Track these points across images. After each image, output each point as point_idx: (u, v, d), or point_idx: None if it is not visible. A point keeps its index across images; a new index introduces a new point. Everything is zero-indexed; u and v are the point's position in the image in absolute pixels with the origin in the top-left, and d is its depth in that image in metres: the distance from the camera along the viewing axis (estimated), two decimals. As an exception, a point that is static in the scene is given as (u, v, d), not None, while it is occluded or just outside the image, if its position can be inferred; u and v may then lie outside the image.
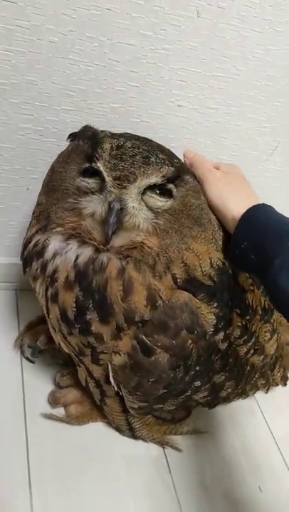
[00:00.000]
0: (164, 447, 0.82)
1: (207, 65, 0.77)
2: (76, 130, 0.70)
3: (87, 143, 0.65)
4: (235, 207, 0.64)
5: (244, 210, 0.63)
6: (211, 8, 0.71)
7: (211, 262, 0.64)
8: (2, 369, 0.85)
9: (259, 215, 0.63)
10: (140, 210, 0.60)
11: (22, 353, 0.88)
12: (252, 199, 0.66)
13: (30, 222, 0.71)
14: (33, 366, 0.87)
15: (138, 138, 0.65)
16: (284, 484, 0.84)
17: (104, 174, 0.59)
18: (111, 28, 0.69)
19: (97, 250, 0.61)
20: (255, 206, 0.63)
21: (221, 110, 0.84)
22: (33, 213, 0.71)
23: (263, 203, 0.65)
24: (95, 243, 0.61)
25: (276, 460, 0.88)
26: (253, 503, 0.80)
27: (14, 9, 0.64)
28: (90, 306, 0.61)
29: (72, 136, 0.69)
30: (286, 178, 0.99)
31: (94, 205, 0.60)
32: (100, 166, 0.59)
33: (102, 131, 0.67)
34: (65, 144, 0.70)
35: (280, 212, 0.65)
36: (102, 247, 0.61)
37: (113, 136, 0.64)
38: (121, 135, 0.65)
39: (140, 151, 0.60)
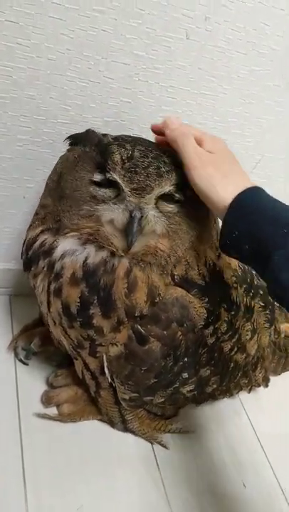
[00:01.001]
0: (152, 443, 0.85)
1: (195, 84, 0.82)
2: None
3: (94, 150, 0.65)
4: (223, 193, 0.60)
5: (233, 196, 0.59)
6: (199, 30, 0.76)
7: (205, 261, 0.69)
8: (-3, 371, 0.88)
9: (249, 202, 0.59)
10: (158, 216, 0.63)
11: (16, 355, 0.90)
12: (242, 182, 0.61)
13: (33, 223, 0.73)
14: (26, 368, 0.89)
15: (141, 142, 0.66)
16: (266, 480, 0.88)
17: (122, 185, 0.61)
18: (106, 48, 0.74)
19: (112, 254, 0.64)
20: (244, 192, 0.59)
21: (208, 125, 0.89)
22: (36, 214, 0.73)
23: (253, 187, 0.61)
24: (114, 249, 0.64)
25: (259, 457, 0.91)
26: (237, 498, 0.84)
27: (16, 28, 0.69)
28: (95, 301, 0.64)
29: (73, 139, 0.70)
30: (269, 190, 1.03)
31: (113, 213, 0.62)
32: (116, 177, 0.61)
33: (104, 135, 0.68)
34: (59, 154, 0.73)
35: (270, 195, 0.61)
36: (120, 253, 0.64)
37: (119, 143, 0.64)
38: (124, 139, 0.66)
39: (151, 161, 0.62)
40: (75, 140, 0.70)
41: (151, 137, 0.86)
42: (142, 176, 0.61)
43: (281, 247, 0.55)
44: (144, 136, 0.85)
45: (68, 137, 0.71)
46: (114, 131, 0.83)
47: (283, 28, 0.80)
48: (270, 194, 1.03)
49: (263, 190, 0.61)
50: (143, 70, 0.78)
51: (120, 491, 0.79)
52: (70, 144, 0.71)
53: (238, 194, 0.59)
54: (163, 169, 0.62)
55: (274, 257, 0.55)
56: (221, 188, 0.60)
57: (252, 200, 0.59)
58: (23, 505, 0.72)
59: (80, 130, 0.81)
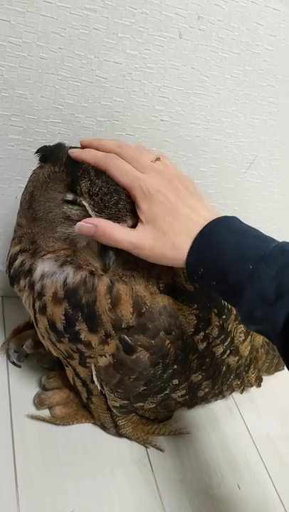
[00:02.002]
0: (146, 447, 0.85)
1: (188, 83, 0.82)
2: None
3: (64, 171, 0.62)
4: (175, 250, 0.57)
5: (188, 244, 0.57)
6: (192, 30, 0.76)
7: None
8: (-12, 373, 0.87)
9: (209, 241, 0.56)
10: None
11: (8, 357, 0.90)
12: (194, 225, 0.57)
13: (13, 239, 0.73)
14: (19, 370, 0.88)
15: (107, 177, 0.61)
16: (261, 482, 0.88)
17: (92, 215, 0.59)
18: (98, 47, 0.73)
19: (92, 273, 0.63)
20: (200, 233, 0.56)
21: (201, 125, 0.88)
22: (15, 231, 0.72)
23: (209, 224, 0.57)
24: (93, 269, 0.63)
25: (254, 459, 0.91)
26: (232, 500, 0.84)
27: (7, 27, 0.68)
28: (80, 318, 0.64)
29: (43, 152, 0.66)
30: (263, 190, 1.04)
31: (88, 237, 0.61)
32: (86, 204, 0.60)
33: (70, 151, 0.64)
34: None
35: (231, 225, 0.57)
36: (100, 272, 0.63)
37: (86, 169, 0.60)
38: (86, 169, 0.61)
39: (120, 197, 0.59)
40: (44, 154, 0.66)
41: (144, 137, 0.86)
42: (113, 210, 0.59)
43: (249, 285, 0.53)
44: (135, 136, 0.86)
45: (38, 150, 0.67)
46: (107, 131, 0.83)
47: (277, 27, 0.80)
48: (264, 197, 1.04)
49: (222, 224, 0.57)
50: (136, 69, 0.77)
51: (114, 493, 0.78)
52: (40, 159, 0.67)
53: (194, 238, 0.56)
54: (131, 206, 0.60)
55: (243, 297, 0.53)
56: (172, 249, 0.57)
57: (211, 239, 0.56)
58: (15, 508, 0.71)
59: (73, 130, 0.81)
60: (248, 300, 0.53)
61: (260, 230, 0.60)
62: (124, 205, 0.59)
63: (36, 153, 0.67)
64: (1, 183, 0.85)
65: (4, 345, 0.90)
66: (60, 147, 0.66)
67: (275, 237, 0.59)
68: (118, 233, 0.58)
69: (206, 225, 0.57)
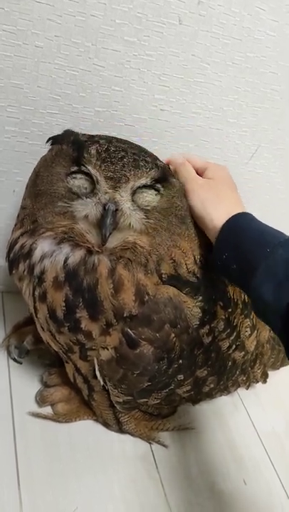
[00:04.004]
0: (150, 443, 0.84)
1: (189, 71, 0.80)
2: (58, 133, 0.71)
3: (71, 147, 0.65)
4: (215, 217, 0.65)
5: (224, 220, 0.63)
6: (192, 15, 0.74)
7: (194, 259, 0.67)
8: (-11, 370, 0.85)
9: (238, 226, 0.63)
10: (133, 210, 0.61)
11: (9, 354, 0.88)
12: (234, 208, 0.65)
13: (15, 225, 0.72)
14: (20, 366, 0.87)
15: (119, 140, 0.67)
16: (267, 477, 0.87)
17: (97, 175, 0.60)
18: (96, 34, 0.71)
19: (90, 252, 0.62)
20: (234, 216, 0.64)
21: (202, 115, 0.86)
22: (18, 216, 0.72)
23: (242, 212, 0.65)
24: (89, 245, 0.62)
25: (259, 454, 0.90)
26: (238, 496, 0.82)
27: (1, 14, 0.66)
28: (80, 304, 0.62)
29: (52, 140, 0.69)
30: (266, 180, 1.01)
31: (87, 208, 0.61)
32: (90, 169, 0.60)
33: (83, 135, 0.68)
34: (48, 147, 0.71)
35: (259, 220, 0.65)
36: (96, 249, 0.62)
37: (96, 140, 0.65)
38: (101, 137, 0.66)
39: (127, 154, 0.61)
40: (55, 141, 0.69)
41: (144, 128, 0.84)
42: (118, 166, 0.60)
43: (263, 262, 0.58)
44: (135, 127, 0.84)
45: (49, 138, 0.70)
46: (105, 122, 0.81)
47: (279, 13, 0.77)
48: (267, 187, 1.02)
49: (252, 216, 0.65)
50: (134, 57, 0.75)
51: (118, 490, 0.77)
52: (52, 145, 0.70)
53: (228, 220, 0.63)
54: (141, 163, 0.62)
55: (256, 273, 0.58)
56: (212, 211, 0.65)
57: (240, 224, 0.63)
58: (18, 506, 0.70)
59: (71, 121, 0.80)
60: (259, 276, 0.58)
61: (263, 221, 0.67)
62: (129, 161, 0.61)
63: (47, 141, 0.69)
64: (-2, 176, 0.83)
65: (5, 341, 0.89)
66: (68, 132, 0.68)
67: (277, 228, 0.64)
68: (188, 169, 0.70)
69: (237, 214, 0.64)
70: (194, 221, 0.69)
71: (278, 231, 0.63)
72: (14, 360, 0.88)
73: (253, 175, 0.99)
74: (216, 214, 0.65)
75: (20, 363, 0.88)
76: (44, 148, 0.73)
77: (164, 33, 0.74)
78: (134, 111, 0.82)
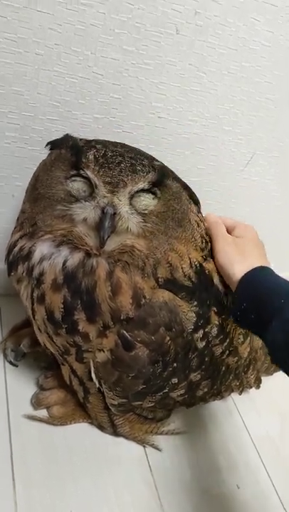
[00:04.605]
0: (144, 446, 0.84)
1: (186, 80, 0.81)
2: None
3: (69, 152, 0.66)
4: (238, 271, 0.68)
5: (245, 273, 0.67)
6: (189, 26, 0.75)
7: (190, 262, 0.68)
8: (-15, 372, 0.86)
9: (256, 278, 0.67)
10: (131, 214, 0.63)
11: (5, 356, 0.89)
12: (256, 262, 0.69)
13: (15, 228, 0.73)
14: (16, 369, 0.88)
15: (116, 144, 0.68)
16: (260, 481, 0.87)
17: (95, 180, 0.61)
18: (95, 43, 0.73)
19: (88, 255, 0.63)
20: (253, 270, 0.67)
21: (198, 122, 0.88)
22: (17, 220, 0.73)
23: (261, 266, 0.68)
24: (88, 248, 0.63)
25: (253, 458, 0.90)
26: (231, 500, 0.83)
27: (2, 23, 0.67)
28: (78, 306, 0.63)
29: (51, 145, 0.71)
30: (261, 188, 1.03)
31: (86, 211, 0.63)
32: (88, 173, 0.62)
33: (81, 140, 0.69)
34: (48, 152, 0.72)
35: (277, 274, 0.68)
36: (94, 252, 0.63)
37: (93, 144, 0.66)
38: (98, 142, 0.68)
39: (124, 158, 0.63)
40: (54, 146, 0.71)
41: (141, 134, 0.86)
42: (116, 171, 0.61)
43: (278, 314, 0.62)
44: (133, 134, 0.85)
45: (48, 143, 0.71)
46: (104, 128, 0.83)
47: (274, 24, 0.79)
48: (262, 194, 1.04)
49: (271, 270, 0.69)
50: (132, 65, 0.77)
51: (112, 493, 0.77)
52: (51, 149, 0.71)
53: (246, 272, 0.67)
54: (138, 168, 0.63)
55: (273, 322, 0.62)
56: (237, 266, 0.69)
57: (258, 277, 0.67)
58: (13, 508, 0.71)
59: (70, 127, 0.81)
60: (274, 325, 0.61)
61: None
62: (126, 166, 0.62)
63: (46, 146, 0.70)
64: (-3, 181, 0.84)
65: (1, 344, 0.90)
66: (67, 137, 0.70)
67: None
68: (220, 228, 0.74)
69: (256, 268, 0.68)
70: (195, 221, 0.71)
71: (286, 279, 0.66)
72: (10, 363, 0.88)
73: (249, 182, 1.01)
74: (238, 268, 0.68)
75: (16, 366, 0.88)
76: (43, 154, 0.74)
77: (162, 43, 0.76)
78: (132, 118, 0.83)
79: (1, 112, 0.76)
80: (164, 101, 0.83)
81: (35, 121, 0.78)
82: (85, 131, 0.82)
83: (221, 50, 0.80)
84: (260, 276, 0.67)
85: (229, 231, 0.76)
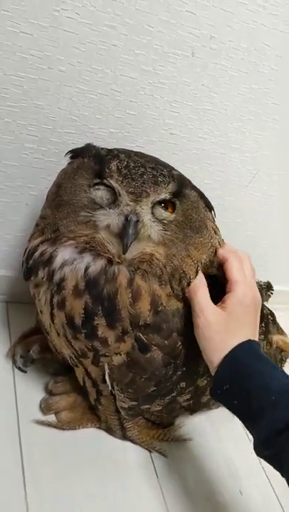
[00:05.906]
0: (150, 451, 0.86)
1: (198, 99, 0.85)
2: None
3: (92, 160, 0.68)
4: (216, 359, 0.65)
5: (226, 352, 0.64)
6: (204, 49, 0.80)
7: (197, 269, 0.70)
8: (-5, 378, 0.87)
9: (241, 360, 0.63)
10: (153, 222, 0.65)
11: (14, 362, 0.90)
12: (240, 337, 0.65)
13: (33, 234, 0.74)
14: (24, 375, 0.89)
15: (137, 154, 0.70)
16: (261, 487, 0.90)
17: (119, 189, 0.64)
18: (115, 62, 0.76)
19: (110, 262, 0.66)
20: (233, 349, 0.63)
21: (208, 140, 0.92)
22: (36, 225, 0.74)
23: (246, 342, 0.64)
24: (110, 256, 0.65)
25: (254, 464, 0.93)
26: (234, 506, 0.85)
27: (30, 40, 0.70)
28: (99, 312, 0.65)
29: (73, 153, 0.73)
30: (263, 203, 1.07)
31: (109, 218, 0.65)
32: (112, 183, 0.64)
33: (102, 149, 0.71)
34: (64, 164, 0.74)
35: (259, 351, 0.65)
36: (116, 259, 0.65)
37: (115, 153, 0.68)
38: (120, 151, 0.69)
39: (146, 170, 0.65)
40: (75, 154, 0.73)
41: (153, 149, 0.89)
42: (139, 182, 0.64)
43: (267, 413, 0.60)
44: (145, 148, 0.89)
45: (69, 151, 0.73)
46: (118, 142, 0.86)
47: (283, 49, 0.84)
48: (265, 210, 1.08)
49: (255, 345, 0.65)
50: (149, 84, 0.80)
51: (119, 499, 0.79)
52: (71, 158, 0.73)
53: (227, 354, 0.64)
54: (160, 179, 0.65)
55: (262, 421, 0.60)
56: (217, 354, 0.65)
57: (241, 360, 0.64)
58: (24, 510, 0.72)
59: (86, 140, 0.83)
60: (265, 425, 0.60)
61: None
62: (148, 178, 0.64)
63: (67, 154, 0.72)
64: (13, 190, 0.87)
65: (10, 350, 0.91)
66: (88, 145, 0.72)
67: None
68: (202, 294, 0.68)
69: (236, 346, 0.64)
70: (212, 228, 0.72)
71: (274, 367, 0.65)
72: (19, 368, 0.89)
73: (252, 197, 1.05)
74: (219, 357, 0.65)
75: (25, 372, 0.89)
76: (59, 166, 0.77)
77: (178, 64, 0.80)
78: (146, 133, 0.87)
79: (22, 125, 0.79)
80: (176, 118, 0.87)
81: (54, 133, 0.81)
82: (100, 144, 0.83)
83: (232, 73, 0.84)
84: (242, 359, 0.64)
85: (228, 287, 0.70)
